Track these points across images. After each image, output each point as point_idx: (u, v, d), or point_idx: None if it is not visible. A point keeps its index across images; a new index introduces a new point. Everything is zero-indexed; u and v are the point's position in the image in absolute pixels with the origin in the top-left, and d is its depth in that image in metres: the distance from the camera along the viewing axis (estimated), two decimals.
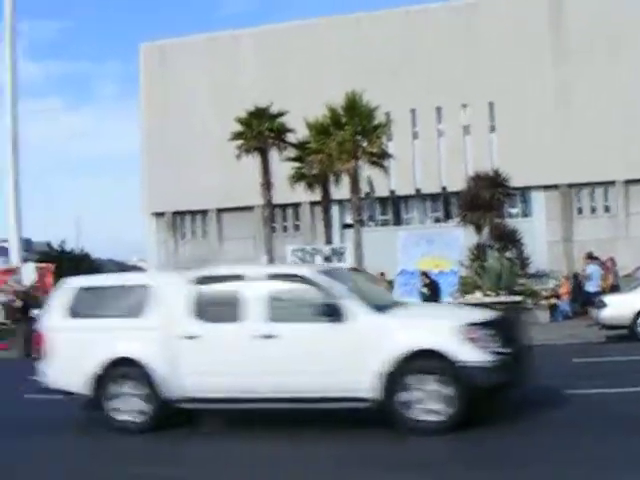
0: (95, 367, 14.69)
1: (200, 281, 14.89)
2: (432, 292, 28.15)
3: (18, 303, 34.60)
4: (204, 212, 60.95)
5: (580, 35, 51.62)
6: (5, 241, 54.78)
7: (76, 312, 15.36)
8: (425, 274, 29.56)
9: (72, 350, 15.04)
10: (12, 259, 47.25)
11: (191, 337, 14.31)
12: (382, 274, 35.56)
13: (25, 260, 48.30)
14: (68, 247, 65.46)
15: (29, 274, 39.87)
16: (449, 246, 39.47)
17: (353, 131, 41.46)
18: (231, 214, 59.11)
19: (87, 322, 15.21)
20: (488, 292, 31.49)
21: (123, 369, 14.72)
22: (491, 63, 52.43)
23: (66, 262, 53.29)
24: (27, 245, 55.92)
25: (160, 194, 59.31)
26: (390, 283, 36.88)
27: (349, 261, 37.37)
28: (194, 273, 15.17)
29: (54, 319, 15.61)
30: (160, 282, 15.55)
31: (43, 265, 44.91)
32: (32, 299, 36.14)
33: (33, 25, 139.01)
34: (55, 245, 65.21)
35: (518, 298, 31.42)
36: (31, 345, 30.92)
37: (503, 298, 31.06)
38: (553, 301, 34.11)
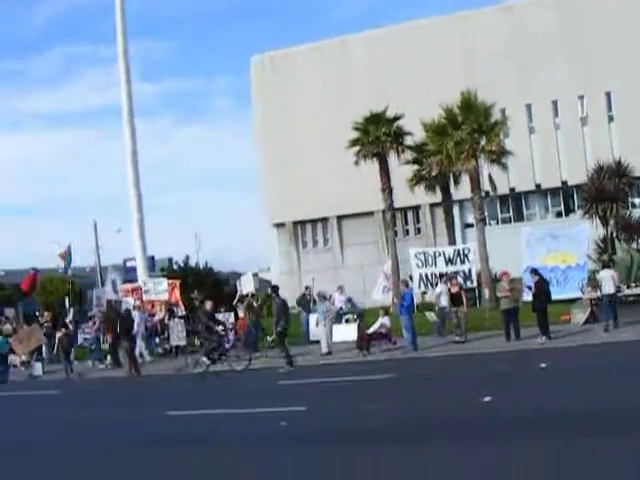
0: None
1: None
2: (539, 290, 27.39)
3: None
4: (324, 220, 61.42)
5: None
6: (132, 259, 56.05)
7: None
8: (535, 271, 28.82)
9: None
10: (139, 277, 48.18)
11: None
12: (505, 273, 34.69)
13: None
14: (190, 262, 66.27)
15: (247, 284, 38.50)
16: (574, 240, 38.87)
17: (470, 130, 41.14)
18: (351, 220, 59.40)
19: None
20: (619, 285, 30.97)
21: None
22: (605, 53, 51.62)
23: (191, 277, 53.99)
24: (150, 262, 56.92)
25: (280, 205, 60.02)
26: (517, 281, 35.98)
27: (474, 261, 36.89)
28: None
29: None
30: None
31: (170, 281, 45.53)
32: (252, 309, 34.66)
33: (144, 45, 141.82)
34: (178, 261, 66.13)
35: None
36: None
37: (636, 290, 30.57)
38: None
